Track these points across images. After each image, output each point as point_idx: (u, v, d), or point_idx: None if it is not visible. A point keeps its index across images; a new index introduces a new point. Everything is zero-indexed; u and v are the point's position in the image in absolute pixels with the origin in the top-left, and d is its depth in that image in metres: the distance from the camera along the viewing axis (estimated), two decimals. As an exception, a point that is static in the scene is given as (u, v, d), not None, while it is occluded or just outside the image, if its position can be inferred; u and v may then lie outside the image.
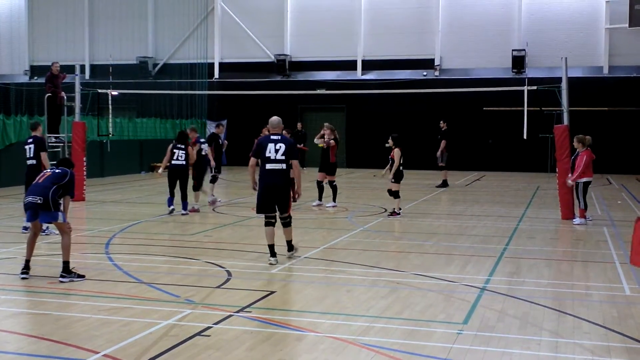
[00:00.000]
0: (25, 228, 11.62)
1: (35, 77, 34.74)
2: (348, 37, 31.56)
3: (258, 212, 10.15)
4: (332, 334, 6.71)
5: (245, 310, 7.50)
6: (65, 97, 18.00)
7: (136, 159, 27.84)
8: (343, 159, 29.72)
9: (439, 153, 21.95)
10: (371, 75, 31.33)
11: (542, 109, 16.08)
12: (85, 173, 17.85)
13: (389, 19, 31.16)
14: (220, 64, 33.57)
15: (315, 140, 17.14)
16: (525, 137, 16.07)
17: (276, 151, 9.85)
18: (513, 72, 29.35)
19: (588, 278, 9.37)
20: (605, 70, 28.99)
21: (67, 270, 8.77)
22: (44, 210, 8.76)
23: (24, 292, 8.43)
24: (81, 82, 19.04)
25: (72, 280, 8.70)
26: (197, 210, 15.59)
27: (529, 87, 15.97)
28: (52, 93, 17.63)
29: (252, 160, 10.18)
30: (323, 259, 10.48)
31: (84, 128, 18.13)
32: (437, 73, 30.53)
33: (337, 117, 30.51)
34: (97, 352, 6.10)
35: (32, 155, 12.75)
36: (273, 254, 9.94)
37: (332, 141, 16.66)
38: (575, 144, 14.48)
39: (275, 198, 9.97)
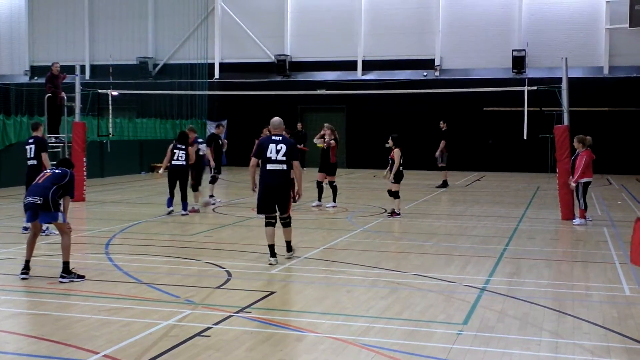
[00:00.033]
0: (25, 228, 11.63)
1: (36, 78, 34.75)
2: (348, 37, 31.56)
3: (259, 212, 10.17)
4: (332, 335, 6.71)
5: (245, 310, 7.50)
6: (65, 98, 18.00)
7: (136, 160, 27.84)
8: (343, 159, 29.72)
9: (437, 153, 21.95)
10: (371, 76, 31.33)
11: (542, 109, 16.07)
12: (85, 173, 17.85)
13: (389, 19, 31.16)
14: (221, 64, 33.58)
15: (315, 140, 17.14)
16: (525, 137, 16.08)
17: (277, 152, 9.87)
18: (513, 72, 29.35)
19: (588, 278, 9.37)
20: (606, 71, 28.99)
21: (67, 271, 8.78)
22: (43, 211, 8.76)
23: (24, 293, 8.43)
24: (81, 83, 19.04)
25: (72, 281, 8.70)
26: (197, 211, 15.59)
27: (529, 88, 15.97)
28: (52, 93, 17.64)
29: (253, 161, 10.20)
30: (323, 259, 10.48)
31: (84, 128, 18.14)
32: (437, 73, 30.53)
33: (337, 118, 30.51)
34: (97, 353, 6.11)
35: (32, 155, 12.77)
36: (273, 254, 9.95)
37: (332, 141, 16.66)
38: (576, 144, 14.48)
39: (275, 198, 9.99)
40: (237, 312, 7.42)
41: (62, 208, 8.97)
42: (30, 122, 21.70)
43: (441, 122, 22.20)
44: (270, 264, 9.83)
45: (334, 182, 16.77)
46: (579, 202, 14.43)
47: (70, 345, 6.32)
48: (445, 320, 7.25)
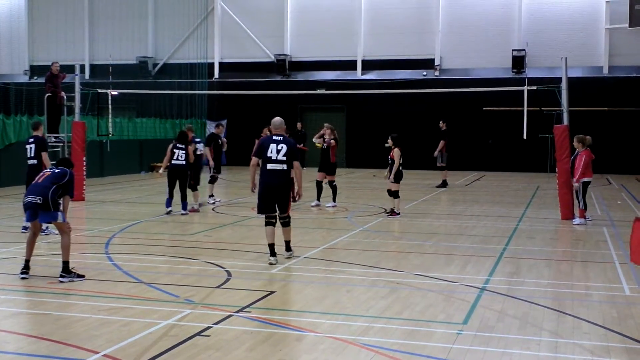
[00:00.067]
0: (25, 228, 11.62)
1: (35, 77, 34.75)
2: (348, 37, 31.56)
3: (259, 212, 10.20)
4: (331, 334, 6.71)
5: (245, 310, 7.50)
6: (65, 97, 17.99)
7: (136, 159, 27.84)
8: (343, 159, 29.75)
9: (436, 153, 21.95)
10: (371, 75, 31.33)
11: (542, 109, 16.08)
12: (85, 173, 17.85)
13: (389, 19, 31.17)
14: (220, 64, 33.58)
15: (314, 140, 17.13)
16: (525, 137, 16.08)
17: (278, 152, 9.91)
18: (513, 72, 29.36)
19: (588, 278, 9.37)
20: (605, 71, 29.00)
21: (66, 270, 8.77)
22: (43, 210, 8.76)
23: (24, 292, 8.43)
24: (81, 82, 19.04)
25: (72, 280, 8.70)
26: (196, 210, 15.59)
27: (529, 87, 15.97)
28: (52, 93, 17.63)
29: (254, 160, 10.22)
30: (323, 259, 10.48)
31: (84, 128, 18.13)
32: (437, 73, 30.54)
33: (337, 117, 30.51)
34: (97, 352, 6.10)
35: (33, 155, 12.78)
36: (273, 253, 9.96)
37: (332, 141, 16.66)
38: (575, 143, 14.49)
39: (275, 198, 10.02)
40: (237, 311, 7.41)
41: (61, 207, 8.97)
42: (30, 122, 21.79)
43: (441, 122, 22.21)
44: (270, 263, 9.84)
45: (334, 181, 16.77)
46: (579, 202, 14.43)
47: (70, 344, 6.32)
48: (445, 320, 7.25)
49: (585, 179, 14.27)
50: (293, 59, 32.38)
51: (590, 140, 14.59)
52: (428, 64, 30.75)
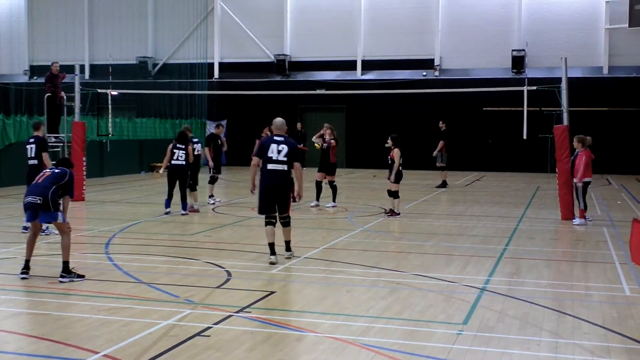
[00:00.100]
0: (25, 228, 11.62)
1: (35, 77, 34.75)
2: (348, 37, 31.56)
3: (260, 213, 10.21)
4: (332, 335, 6.71)
5: (245, 310, 7.50)
6: (65, 97, 17.98)
7: (136, 159, 27.84)
8: (343, 159, 29.75)
9: (435, 153, 21.94)
10: (371, 76, 31.33)
11: (542, 109, 16.08)
12: (84, 173, 17.84)
13: (389, 19, 31.17)
14: (220, 64, 33.57)
15: (314, 139, 17.11)
16: (525, 137, 16.08)
17: (278, 152, 9.95)
18: (513, 72, 29.36)
19: (588, 278, 9.37)
20: (605, 71, 29.00)
21: (66, 270, 8.77)
22: (43, 210, 8.76)
23: (24, 292, 8.43)
24: (81, 82, 19.04)
25: (72, 280, 8.70)
26: (196, 211, 15.59)
27: (529, 87, 15.98)
28: (51, 93, 17.63)
29: (255, 160, 10.24)
30: (323, 259, 10.48)
31: (84, 128, 18.13)
32: (437, 73, 30.54)
33: (336, 117, 30.51)
34: (97, 352, 6.10)
35: (33, 155, 12.79)
36: (273, 252, 9.97)
37: (332, 141, 16.67)
38: (575, 143, 14.49)
39: (275, 198, 10.04)
40: (237, 312, 7.41)
41: (61, 208, 8.96)
42: (29, 122, 21.80)
43: (440, 122, 22.21)
44: (271, 263, 9.85)
45: (334, 182, 16.77)
46: (579, 202, 14.43)
47: (70, 344, 6.31)
48: (445, 320, 7.25)
49: (586, 179, 14.27)
50: (293, 59, 32.38)
51: (590, 141, 14.59)
52: (428, 64, 30.74)
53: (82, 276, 8.86)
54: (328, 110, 31.35)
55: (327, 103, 31.28)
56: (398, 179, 15.15)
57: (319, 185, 16.83)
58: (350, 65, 31.59)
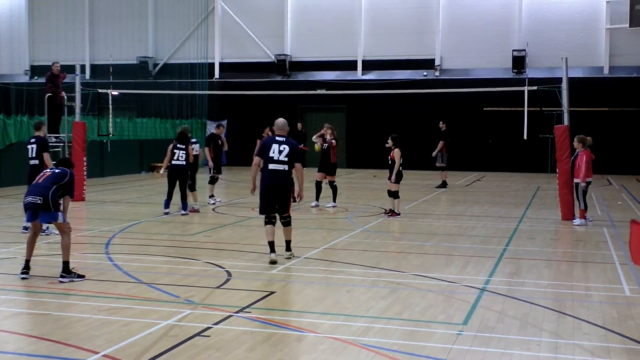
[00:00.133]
0: (26, 228, 11.63)
1: (36, 77, 34.76)
2: (348, 37, 31.56)
3: (261, 212, 10.23)
4: (332, 335, 6.71)
5: (245, 310, 7.50)
6: (65, 97, 18.00)
7: (136, 159, 27.84)
8: (343, 159, 29.76)
9: (434, 153, 21.93)
10: (371, 76, 31.33)
11: (543, 109, 16.07)
12: (85, 173, 17.85)
13: (389, 19, 31.17)
14: (221, 64, 33.58)
15: (314, 139, 17.09)
16: (525, 137, 16.07)
17: (280, 152, 10.00)
18: (513, 72, 29.36)
19: (588, 279, 9.37)
20: (606, 71, 29.00)
21: (67, 271, 8.77)
22: (43, 211, 8.76)
23: (24, 292, 8.43)
24: (81, 82, 19.03)
25: (72, 281, 8.70)
26: (196, 211, 15.59)
27: (529, 88, 15.97)
28: (52, 93, 17.63)
29: (256, 159, 10.27)
30: (323, 259, 10.48)
31: (84, 128, 18.14)
32: (437, 73, 30.54)
33: (337, 117, 30.52)
34: (97, 352, 6.10)
35: (34, 155, 12.80)
36: (273, 250, 10.01)
37: (333, 141, 16.67)
38: (575, 144, 14.49)
39: (276, 198, 10.09)
40: (237, 312, 7.41)
41: (62, 208, 8.97)
42: (30, 122, 21.81)
43: (440, 123, 22.21)
44: (271, 260, 9.86)
45: (334, 182, 16.77)
46: (579, 203, 14.43)
47: (70, 345, 6.32)
48: (445, 321, 7.25)
49: (586, 179, 14.26)
50: (293, 59, 32.38)
51: (591, 141, 14.58)
52: (428, 64, 30.75)
53: (82, 276, 8.86)
54: (328, 110, 31.35)
55: (328, 103, 31.28)
56: (398, 179, 15.15)
57: (318, 186, 16.82)
58: (350, 65, 31.60)
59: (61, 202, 9.01)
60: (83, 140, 17.90)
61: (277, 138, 10.16)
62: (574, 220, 14.51)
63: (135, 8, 34.47)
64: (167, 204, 15.19)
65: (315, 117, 31.01)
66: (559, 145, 15.16)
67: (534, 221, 14.87)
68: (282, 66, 32.12)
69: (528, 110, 15.84)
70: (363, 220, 14.73)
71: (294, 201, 11.20)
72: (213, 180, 17.30)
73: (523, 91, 15.98)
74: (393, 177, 15.11)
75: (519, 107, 16.48)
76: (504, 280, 9.17)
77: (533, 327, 7.06)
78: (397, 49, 30.96)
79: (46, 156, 12.71)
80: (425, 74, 30.60)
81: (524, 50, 29.11)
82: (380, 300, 8.03)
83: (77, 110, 18.37)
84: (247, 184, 13.66)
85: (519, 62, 29.16)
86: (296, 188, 10.73)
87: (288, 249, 10.35)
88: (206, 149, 17.06)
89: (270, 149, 10.02)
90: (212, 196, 17.26)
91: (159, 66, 34.21)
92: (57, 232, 9.40)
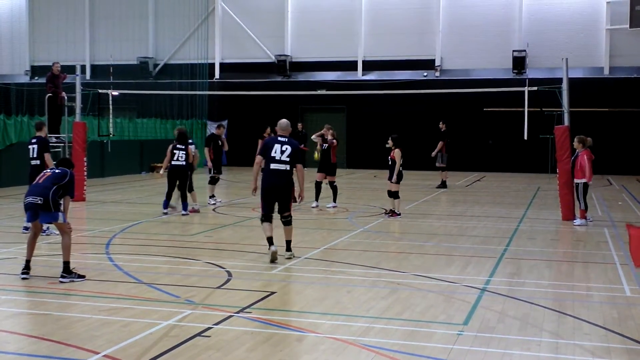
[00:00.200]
0: (26, 228, 11.63)
1: (36, 77, 34.76)
2: (348, 37, 31.56)
3: (263, 212, 10.25)
4: (332, 335, 6.71)
5: (245, 310, 7.50)
6: (65, 97, 18.01)
7: (136, 159, 27.84)
8: (343, 159, 29.75)
9: (434, 153, 21.92)
10: (372, 76, 31.33)
11: (543, 109, 16.08)
12: (85, 173, 17.85)
13: (390, 19, 31.17)
14: (221, 65, 33.58)
15: (313, 138, 17.08)
16: (525, 137, 16.08)
17: (282, 152, 10.07)
18: (514, 72, 29.35)
19: (588, 279, 9.37)
20: (606, 71, 29.00)
21: (67, 271, 8.77)
22: (44, 211, 8.76)
23: (25, 293, 8.43)
24: (82, 82, 19.03)
25: (73, 281, 8.70)
26: (197, 211, 15.59)
27: (530, 88, 15.97)
28: (52, 93, 17.64)
29: (258, 159, 10.31)
30: (323, 259, 10.48)
31: (85, 128, 18.14)
32: (437, 74, 30.54)
33: (337, 118, 30.52)
34: (98, 353, 6.10)
35: (35, 155, 12.81)
36: (272, 243, 10.04)
37: (334, 141, 16.68)
38: (576, 144, 14.49)
39: (277, 197, 10.15)
40: (238, 312, 7.42)
41: (62, 208, 8.97)
42: (30, 122, 21.81)
43: (440, 123, 22.21)
44: (272, 259, 9.88)
45: (334, 182, 16.77)
46: (580, 203, 14.43)
47: (70, 345, 6.32)
48: (445, 321, 7.25)
49: (586, 180, 14.26)
50: (294, 60, 32.39)
51: (591, 142, 14.59)
52: (428, 64, 30.74)
53: (83, 276, 8.87)
54: (329, 110, 31.35)
55: (328, 103, 31.28)
56: (399, 179, 15.14)
57: (318, 186, 16.82)
58: (351, 65, 31.60)
59: (61, 202, 9.01)
60: (83, 140, 17.91)
61: (279, 138, 10.25)
62: (574, 221, 14.51)
63: (136, 8, 34.47)
64: (165, 204, 15.19)
65: (315, 117, 31.01)
66: (559, 146, 15.17)
67: (534, 221, 14.87)
68: (282, 66, 32.12)
69: (528, 111, 15.85)
70: (363, 220, 14.74)
71: (295, 202, 11.21)
72: (213, 181, 17.30)
73: (523, 92, 15.98)
74: (394, 177, 15.11)
75: (519, 107, 16.49)
76: (505, 281, 9.17)
77: (533, 327, 7.06)
78: (397, 49, 30.96)
79: (47, 156, 12.72)
80: (425, 74, 30.60)
81: (525, 50, 29.11)
82: (381, 300, 8.03)
83: (78, 111, 18.37)
84: (248, 184, 13.66)
85: (519, 62, 29.17)
86: (297, 188, 10.75)
87: (288, 249, 10.35)
88: (206, 150, 17.05)
89: (272, 149, 10.09)
90: (212, 196, 17.25)
91: (159, 66, 34.22)
92: (58, 232, 9.40)
